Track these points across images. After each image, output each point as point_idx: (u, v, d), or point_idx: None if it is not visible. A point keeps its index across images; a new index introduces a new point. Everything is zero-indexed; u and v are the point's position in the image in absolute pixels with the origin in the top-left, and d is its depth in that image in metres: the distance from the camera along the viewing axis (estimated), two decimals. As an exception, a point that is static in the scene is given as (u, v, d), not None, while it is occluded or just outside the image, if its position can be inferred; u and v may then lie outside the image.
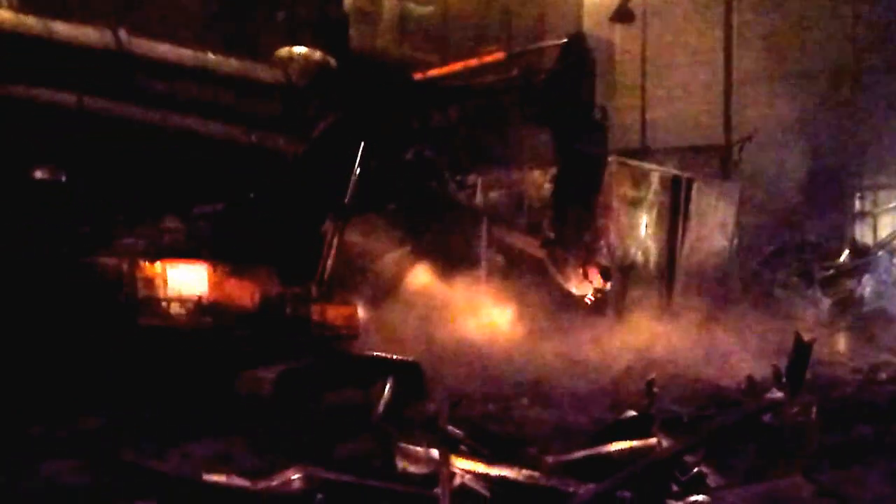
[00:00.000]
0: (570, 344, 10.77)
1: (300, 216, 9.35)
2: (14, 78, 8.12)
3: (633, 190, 13.71)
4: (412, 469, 5.47)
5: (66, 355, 7.35)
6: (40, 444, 6.21)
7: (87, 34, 8.67)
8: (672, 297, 14.01)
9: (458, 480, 5.16)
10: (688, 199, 14.39)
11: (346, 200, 9.21)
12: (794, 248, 17.23)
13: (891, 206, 19.28)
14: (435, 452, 5.36)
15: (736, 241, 15.73)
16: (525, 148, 14.75)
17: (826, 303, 15.92)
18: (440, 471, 5.07)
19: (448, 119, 9.70)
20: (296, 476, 5.05)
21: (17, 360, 7.18)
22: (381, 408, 7.23)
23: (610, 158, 11.58)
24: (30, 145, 8.21)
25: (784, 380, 7.19)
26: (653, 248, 13.99)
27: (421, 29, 15.52)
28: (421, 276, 11.12)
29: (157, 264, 7.99)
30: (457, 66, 9.73)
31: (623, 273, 13.02)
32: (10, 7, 8.50)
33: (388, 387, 7.60)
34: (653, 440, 5.89)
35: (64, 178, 8.27)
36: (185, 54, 9.34)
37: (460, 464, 5.29)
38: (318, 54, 10.22)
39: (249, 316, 8.33)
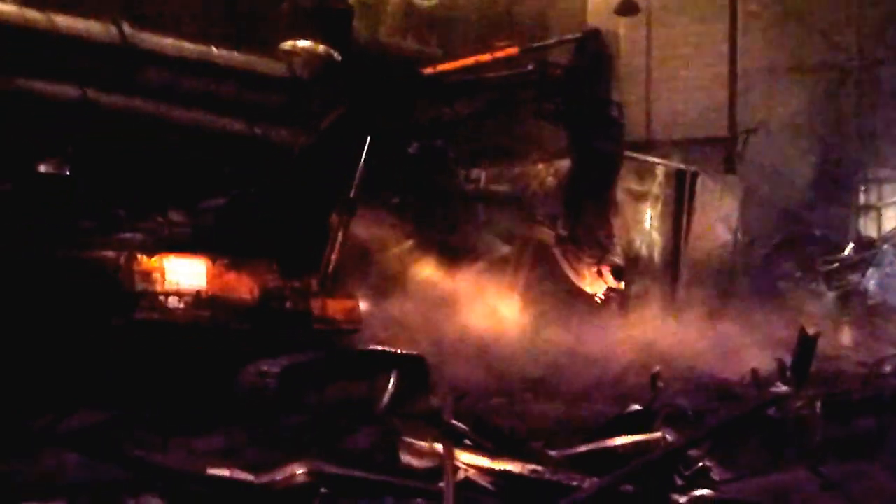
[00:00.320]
0: (575, 338, 10.76)
1: (305, 209, 9.35)
2: (18, 71, 8.13)
3: (637, 183, 13.69)
4: (416, 463, 5.47)
5: (64, 349, 7.35)
6: (43, 438, 6.20)
7: (91, 28, 8.69)
8: (676, 290, 14.00)
9: (462, 474, 5.16)
10: (692, 193, 14.37)
11: (351, 194, 9.21)
12: (798, 241, 17.20)
13: (895, 199, 19.24)
14: (439, 446, 5.36)
15: (740, 235, 15.71)
16: (529, 142, 14.73)
17: (830, 296, 15.90)
18: (444, 465, 5.07)
19: (457, 113, 9.64)
20: (300, 470, 5.04)
21: (17, 354, 7.19)
22: (385, 402, 7.24)
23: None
24: (34, 139, 8.22)
25: (788, 373, 7.19)
26: (657, 241, 13.98)
27: (424, 22, 15.49)
28: (425, 270, 11.12)
29: (155, 258, 7.97)
30: (468, 61, 9.67)
31: (627, 266, 12.99)
32: (14, 1, 8.52)
33: (392, 381, 7.61)
34: (657, 434, 5.89)
35: (68, 172, 8.27)
36: (189, 48, 9.35)
37: (464, 458, 5.29)
38: (321, 47, 10.22)
39: (249, 310, 8.32)
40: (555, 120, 9.61)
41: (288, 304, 8.55)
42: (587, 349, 10.59)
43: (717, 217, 14.95)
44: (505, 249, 12.57)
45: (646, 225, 13.80)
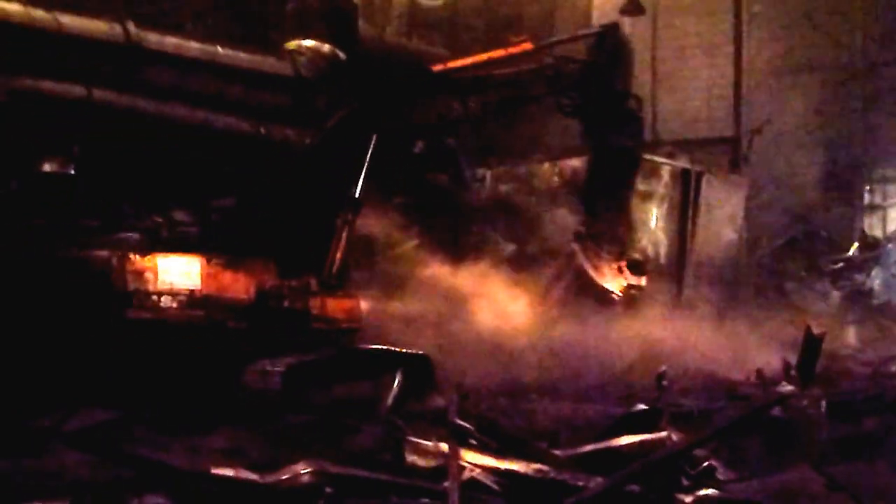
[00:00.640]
0: (580, 336, 10.73)
1: (310, 209, 9.35)
2: (23, 70, 8.13)
3: (642, 183, 13.65)
4: (421, 463, 5.46)
5: (59, 349, 7.35)
6: (47, 437, 6.21)
7: (96, 27, 8.68)
8: (682, 289, 13.99)
9: (467, 474, 5.15)
10: (697, 192, 14.35)
11: (357, 193, 9.21)
12: (803, 240, 17.18)
13: (900, 199, 19.21)
14: (444, 446, 5.35)
15: (745, 234, 15.70)
16: (534, 141, 14.72)
17: (835, 296, 15.88)
18: (449, 464, 5.06)
19: (467, 110, 9.58)
20: (304, 470, 5.03)
21: (15, 353, 7.20)
22: (390, 401, 7.23)
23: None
24: (39, 138, 8.22)
25: (794, 373, 7.17)
26: (662, 241, 13.96)
27: (430, 22, 15.49)
28: (430, 269, 11.11)
29: (149, 257, 7.99)
30: (481, 57, 9.62)
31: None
32: (20, 0, 8.52)
33: (397, 380, 7.60)
34: (663, 434, 5.87)
35: (72, 171, 8.28)
36: (194, 47, 9.34)
37: (469, 457, 5.28)
38: (326, 47, 10.21)
39: (245, 309, 8.32)
40: (572, 115, 9.54)
41: (286, 304, 8.55)
42: (592, 348, 10.56)
43: (723, 217, 14.93)
44: (510, 248, 12.55)
45: (651, 225, 13.79)
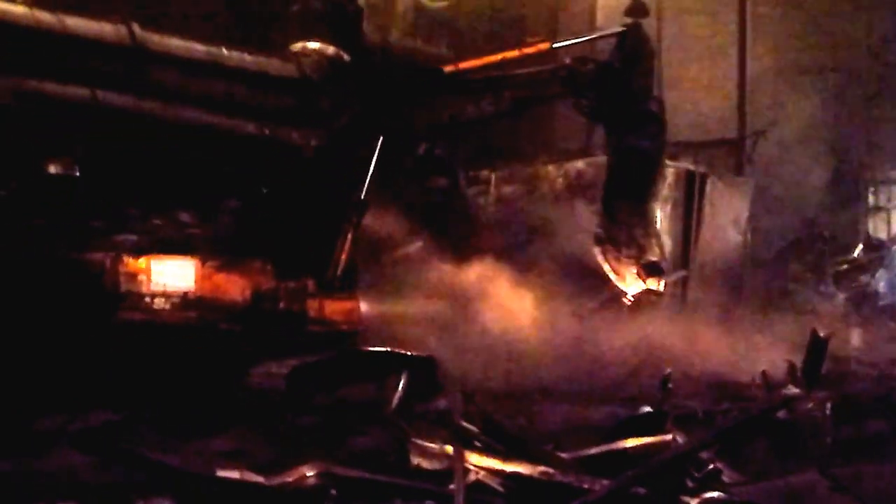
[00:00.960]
0: (584, 339, 10.73)
1: (314, 210, 9.35)
2: (28, 72, 8.15)
3: (646, 184, 13.64)
4: (426, 465, 5.47)
5: (53, 350, 7.37)
6: (53, 440, 6.22)
7: (101, 29, 8.70)
8: (686, 292, 13.96)
9: (472, 476, 5.16)
10: (701, 194, 14.32)
11: (362, 195, 9.22)
12: (808, 242, 17.14)
13: (905, 200, 19.19)
14: (449, 448, 5.35)
15: (749, 236, 15.67)
16: (539, 143, 14.72)
17: (840, 297, 15.84)
18: (455, 467, 5.07)
19: (481, 111, 9.51)
20: (310, 472, 5.04)
21: (16, 355, 7.22)
22: (394, 403, 7.23)
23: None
24: (44, 139, 8.24)
25: (799, 375, 7.16)
26: (666, 243, 13.92)
27: (434, 24, 15.48)
28: (434, 271, 11.11)
29: (142, 259, 8.02)
30: (495, 57, 9.54)
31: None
32: (25, 2, 8.54)
33: (401, 382, 7.60)
34: (668, 436, 5.88)
35: (77, 173, 8.30)
36: (199, 49, 9.35)
37: (475, 460, 5.28)
38: (331, 49, 10.22)
39: (240, 311, 8.33)
40: (590, 116, 9.42)
41: (282, 305, 8.56)
42: (597, 350, 10.56)
43: (727, 219, 14.90)
44: (513, 250, 12.53)
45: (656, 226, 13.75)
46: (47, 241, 7.88)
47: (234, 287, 8.40)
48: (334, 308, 8.86)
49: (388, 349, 8.48)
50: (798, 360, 7.33)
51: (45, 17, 8.36)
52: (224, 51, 9.50)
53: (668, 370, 7.30)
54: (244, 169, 9.39)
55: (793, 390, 7.00)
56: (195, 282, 8.18)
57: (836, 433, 6.60)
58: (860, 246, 17.00)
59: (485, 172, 13.56)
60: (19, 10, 8.39)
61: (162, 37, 9.08)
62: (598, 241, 9.17)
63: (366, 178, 9.36)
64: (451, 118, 9.72)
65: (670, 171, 14.10)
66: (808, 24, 19.28)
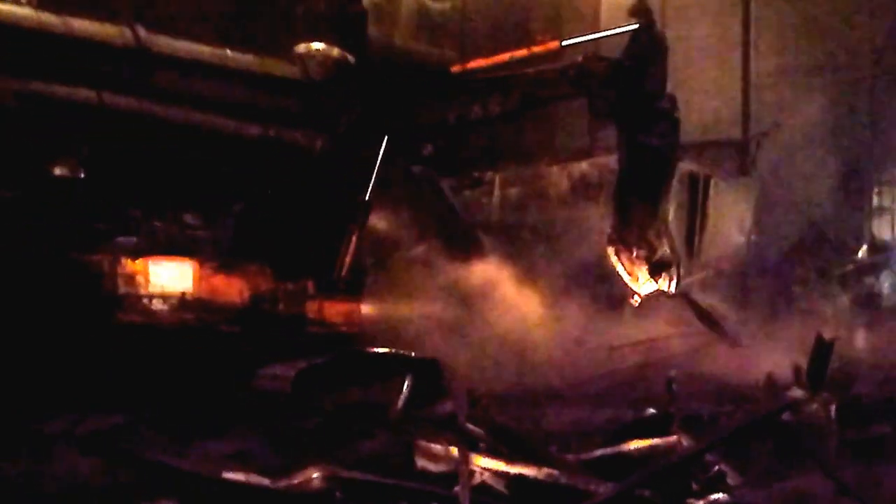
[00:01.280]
0: (588, 340, 10.73)
1: (318, 211, 9.36)
2: (34, 74, 8.18)
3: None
4: (432, 467, 5.46)
5: (52, 352, 7.39)
6: (59, 442, 6.23)
7: (107, 31, 8.73)
8: (690, 294, 13.94)
9: (477, 479, 5.16)
10: (705, 196, 14.31)
11: (366, 196, 9.22)
12: (812, 244, 17.11)
13: (910, 201, 19.15)
14: (454, 450, 5.35)
15: (754, 238, 15.65)
16: (542, 145, 14.71)
17: (844, 299, 15.81)
18: (460, 469, 5.07)
19: (488, 112, 9.45)
20: (315, 475, 5.04)
21: (18, 356, 7.24)
22: (400, 405, 7.23)
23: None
24: (49, 141, 8.26)
25: (804, 378, 7.15)
26: (671, 244, 13.90)
27: (438, 24, 15.49)
28: (438, 273, 11.11)
29: (140, 261, 8.04)
30: (503, 57, 9.47)
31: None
32: (31, 5, 8.57)
33: (407, 384, 7.60)
34: (673, 438, 5.87)
35: (82, 175, 8.32)
36: (204, 51, 9.39)
37: (480, 462, 5.28)
38: (336, 50, 10.23)
39: (239, 312, 8.34)
40: (605, 116, 9.32)
41: (281, 307, 8.57)
42: (601, 352, 10.56)
43: (731, 220, 14.89)
44: (518, 252, 12.53)
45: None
46: (50, 242, 7.90)
47: (233, 289, 8.42)
48: (334, 310, 8.87)
49: (393, 351, 8.48)
50: (803, 363, 7.32)
51: (50, 19, 8.39)
52: (229, 53, 9.53)
53: (673, 373, 7.29)
54: (249, 170, 9.40)
55: (798, 393, 6.99)
56: (193, 283, 8.20)
57: (841, 436, 6.59)
58: (865, 247, 16.98)
59: (489, 173, 13.55)
60: (25, 12, 8.43)
61: (167, 39, 9.11)
62: (611, 241, 9.08)
63: (370, 179, 9.36)
64: (457, 118, 9.66)
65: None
66: (811, 25, 19.26)
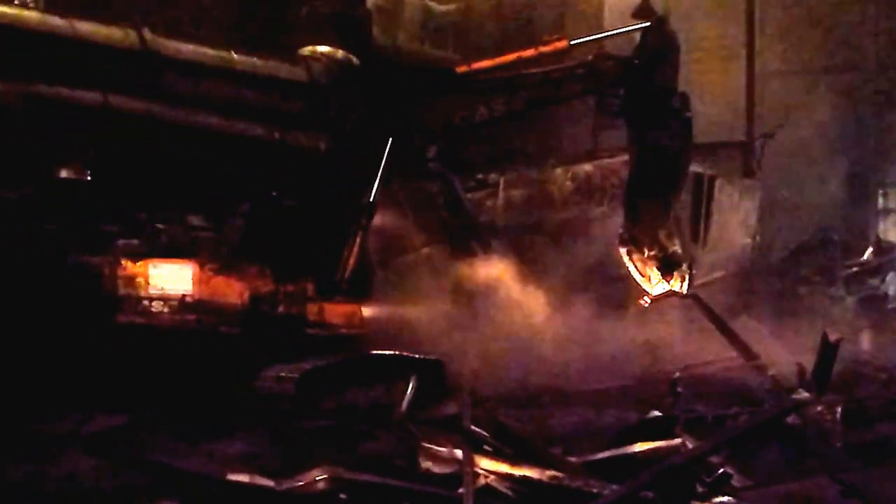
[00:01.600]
0: (592, 342, 10.71)
1: (323, 213, 9.37)
2: (40, 77, 8.19)
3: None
4: (436, 469, 5.47)
5: (54, 353, 7.41)
6: (63, 443, 6.25)
7: (113, 34, 8.74)
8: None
9: (481, 481, 5.16)
10: (710, 197, 14.28)
11: (371, 198, 9.23)
12: (817, 245, 17.07)
13: (915, 203, 19.11)
14: (458, 452, 5.36)
15: (758, 239, 15.63)
16: (547, 146, 14.70)
17: (850, 301, 15.77)
18: (464, 471, 5.07)
19: (493, 112, 9.40)
20: (319, 476, 5.05)
21: (20, 358, 7.27)
22: (404, 407, 7.23)
23: (629, 157, 11.39)
24: (56, 144, 8.28)
25: (809, 379, 7.15)
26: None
27: (442, 27, 15.50)
28: (442, 274, 11.11)
29: (140, 263, 8.07)
30: (509, 57, 9.42)
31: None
32: (37, 7, 8.59)
33: (411, 385, 7.60)
34: (677, 440, 5.86)
35: (88, 177, 8.34)
36: (209, 53, 9.39)
37: (484, 464, 5.29)
38: (341, 52, 10.24)
39: (238, 314, 8.36)
40: (617, 115, 9.25)
41: (281, 309, 8.58)
42: (605, 353, 10.54)
43: (736, 221, 14.87)
44: (522, 253, 12.53)
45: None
46: (55, 244, 7.93)
47: (233, 290, 8.44)
48: (335, 311, 8.88)
49: (398, 352, 8.49)
50: (808, 364, 7.32)
51: (57, 22, 8.41)
52: (234, 55, 9.54)
53: (678, 374, 7.29)
54: (254, 173, 9.42)
55: (803, 394, 6.99)
56: (193, 285, 8.22)
57: (846, 437, 6.58)
58: (870, 249, 16.94)
59: (493, 176, 13.54)
60: (32, 15, 8.46)
61: (172, 42, 9.12)
62: (622, 241, 9.03)
63: (374, 180, 9.37)
64: (462, 119, 9.63)
65: (679, 173, 14.08)
66: (816, 26, 19.26)
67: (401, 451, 5.93)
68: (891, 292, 15.92)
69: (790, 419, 6.46)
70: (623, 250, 9.02)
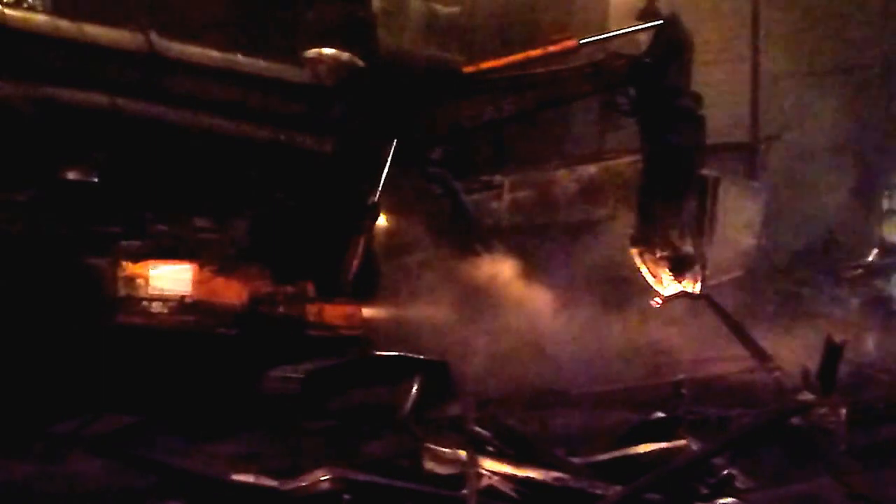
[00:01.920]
0: (596, 343, 10.73)
1: (328, 214, 9.39)
2: (48, 79, 8.24)
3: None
4: (439, 470, 5.48)
5: (55, 354, 7.44)
6: (68, 444, 6.27)
7: (120, 37, 8.79)
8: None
9: (485, 482, 5.17)
10: (714, 199, 14.27)
11: (374, 199, 9.24)
12: (821, 247, 17.07)
13: (920, 204, 19.07)
14: (462, 453, 5.37)
15: (763, 240, 15.62)
16: (551, 148, 14.70)
17: (854, 302, 15.75)
18: (467, 472, 5.08)
19: (501, 113, 9.36)
20: (323, 477, 5.06)
21: (26, 359, 7.30)
22: (408, 407, 7.25)
23: (634, 158, 11.39)
24: (63, 146, 8.32)
25: (814, 381, 7.14)
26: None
27: (447, 29, 15.50)
28: (446, 275, 11.13)
29: (140, 264, 8.11)
30: (517, 57, 9.39)
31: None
32: (45, 10, 8.63)
33: (415, 386, 7.62)
34: (681, 442, 5.87)
35: (96, 179, 8.38)
36: (215, 56, 9.42)
37: (487, 465, 5.30)
38: (345, 55, 10.25)
39: (237, 315, 8.39)
40: (628, 115, 9.22)
41: (280, 310, 8.60)
42: (609, 354, 10.55)
43: (740, 223, 14.85)
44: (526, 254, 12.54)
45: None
46: (63, 246, 7.96)
47: (231, 291, 8.47)
48: (335, 313, 8.91)
49: (402, 353, 8.51)
50: (812, 366, 7.31)
51: (64, 25, 8.45)
52: (240, 58, 9.57)
53: (682, 375, 7.29)
54: (260, 175, 9.45)
55: (807, 396, 6.98)
56: (192, 286, 8.25)
57: (850, 439, 6.57)
58: (875, 250, 16.92)
59: (497, 177, 13.57)
60: (40, 18, 8.50)
61: (179, 45, 9.15)
62: (633, 241, 9.00)
63: (378, 182, 9.39)
64: (470, 120, 9.60)
65: (683, 175, 14.07)
66: (821, 26, 19.23)
67: (405, 452, 5.95)
68: (895, 294, 15.90)
69: (794, 421, 6.45)
70: (634, 250, 8.99)
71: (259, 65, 9.69)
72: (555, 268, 11.86)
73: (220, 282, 8.41)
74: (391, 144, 9.25)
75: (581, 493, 5.07)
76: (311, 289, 8.80)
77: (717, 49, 19.69)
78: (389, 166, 9.54)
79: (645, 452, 5.77)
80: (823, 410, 6.71)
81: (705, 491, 5.28)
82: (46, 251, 7.90)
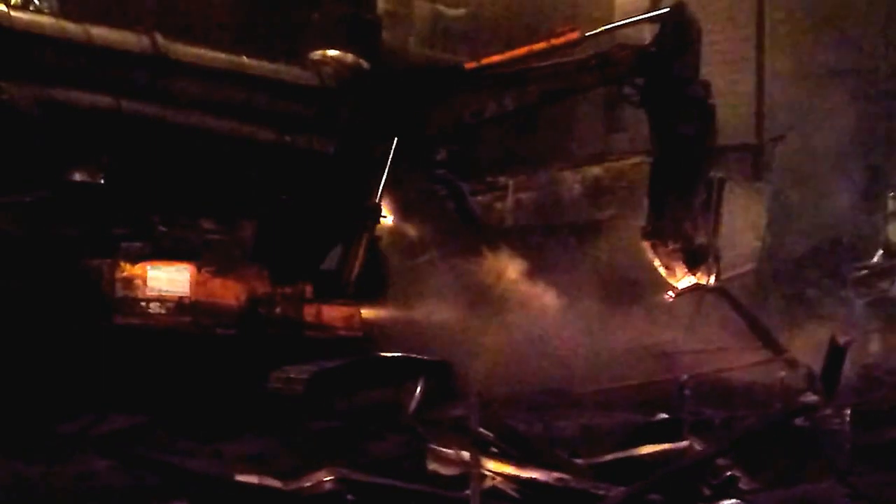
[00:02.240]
0: (600, 344, 10.73)
1: (329, 215, 9.41)
2: (54, 81, 8.27)
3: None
4: (443, 471, 5.49)
5: (55, 354, 7.47)
6: (74, 444, 6.29)
7: (125, 39, 8.82)
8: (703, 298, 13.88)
9: (488, 482, 5.18)
10: (719, 199, 14.25)
11: (376, 200, 9.25)
12: (826, 248, 17.03)
13: (925, 206, 19.01)
14: (466, 454, 5.37)
15: (768, 241, 15.60)
16: (555, 149, 14.70)
17: (859, 304, 15.72)
18: (471, 473, 5.08)
19: (503, 108, 9.28)
20: (327, 477, 5.08)
21: (29, 360, 7.33)
22: (411, 408, 7.26)
23: (638, 159, 11.37)
24: (69, 147, 8.35)
25: (818, 382, 7.14)
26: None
27: (452, 31, 15.53)
28: (450, 277, 11.14)
29: (138, 265, 8.13)
30: (520, 51, 9.31)
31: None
32: (52, 12, 8.67)
33: (419, 387, 7.63)
34: (684, 443, 5.87)
35: (102, 180, 8.41)
36: (220, 58, 9.45)
37: (491, 466, 5.30)
38: (350, 57, 10.28)
39: (235, 316, 8.41)
40: (638, 105, 9.11)
41: (278, 311, 8.62)
42: (612, 355, 10.55)
43: (745, 224, 14.84)
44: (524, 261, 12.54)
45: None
46: (69, 247, 7.99)
47: (229, 292, 8.49)
48: (333, 314, 8.92)
49: (406, 354, 8.52)
50: (817, 367, 7.31)
51: (71, 27, 8.49)
52: (245, 59, 9.60)
53: (685, 376, 7.28)
54: (264, 176, 9.47)
55: (811, 397, 6.97)
56: (190, 287, 8.28)
57: (854, 441, 6.56)
58: (880, 252, 16.88)
59: (502, 178, 13.58)
60: (47, 20, 8.54)
61: (184, 46, 9.18)
62: (646, 235, 8.93)
63: (380, 182, 9.40)
64: (473, 115, 9.51)
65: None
66: (825, 28, 19.18)
67: (408, 453, 5.96)
68: (900, 295, 15.85)
69: (798, 422, 6.44)
70: (647, 243, 8.91)
71: (264, 66, 9.72)
72: (559, 268, 11.86)
73: (218, 283, 8.44)
74: (392, 145, 9.24)
75: (584, 494, 5.07)
76: (309, 290, 8.81)
77: (721, 50, 19.66)
78: (394, 168, 9.55)
79: (648, 454, 5.78)
80: (828, 412, 6.70)
81: (709, 492, 5.29)
82: (50, 252, 7.92)
